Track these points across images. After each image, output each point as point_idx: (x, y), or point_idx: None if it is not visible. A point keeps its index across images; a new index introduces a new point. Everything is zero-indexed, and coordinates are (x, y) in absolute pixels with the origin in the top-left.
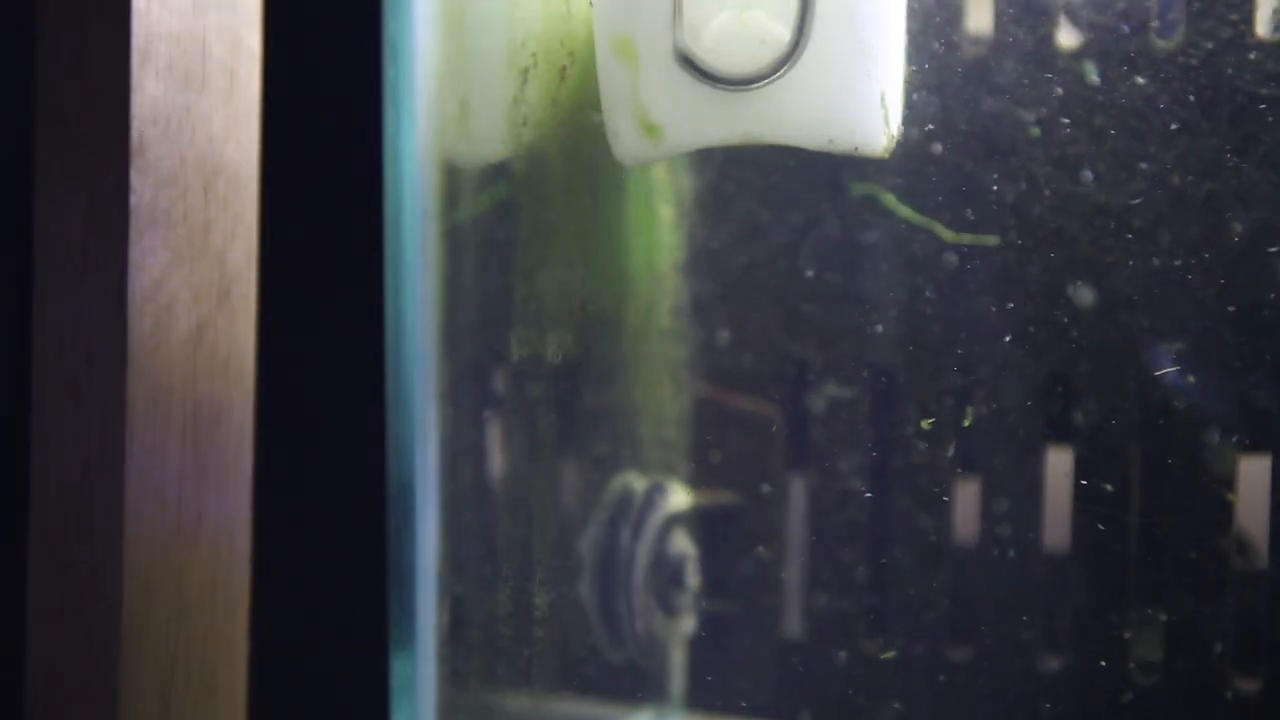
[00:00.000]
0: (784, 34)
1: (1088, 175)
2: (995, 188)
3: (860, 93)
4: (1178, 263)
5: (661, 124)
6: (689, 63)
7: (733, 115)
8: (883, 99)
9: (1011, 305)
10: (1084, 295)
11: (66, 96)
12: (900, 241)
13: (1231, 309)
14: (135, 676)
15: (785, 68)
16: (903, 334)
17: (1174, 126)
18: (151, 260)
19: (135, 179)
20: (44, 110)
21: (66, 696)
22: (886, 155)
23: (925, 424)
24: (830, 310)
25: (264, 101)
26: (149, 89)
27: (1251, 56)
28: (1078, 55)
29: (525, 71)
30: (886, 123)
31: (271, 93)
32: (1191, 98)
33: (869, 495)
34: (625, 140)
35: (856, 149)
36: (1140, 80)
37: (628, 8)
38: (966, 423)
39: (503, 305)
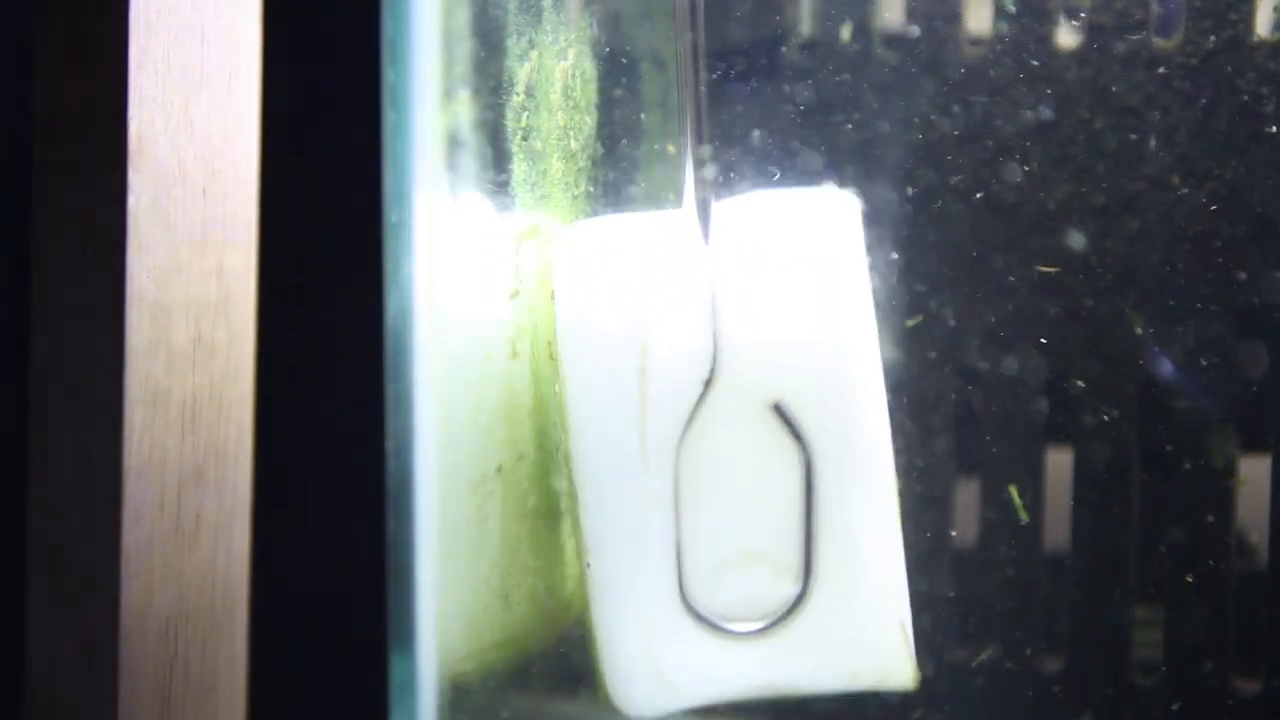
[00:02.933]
0: (791, 582)
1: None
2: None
3: (876, 627)
4: (1177, 262)
5: (679, 679)
6: (697, 614)
7: (749, 664)
8: (902, 629)
9: (1009, 302)
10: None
11: (65, 97)
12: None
13: (1231, 309)
14: (134, 676)
15: (797, 611)
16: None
17: (1173, 126)
18: (150, 261)
19: (133, 179)
20: (42, 110)
21: (65, 696)
22: (915, 686)
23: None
24: None
25: (263, 102)
26: (147, 89)
27: (1251, 56)
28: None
29: None
30: (909, 652)
31: (271, 93)
32: (1190, 97)
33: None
34: (638, 693)
35: (884, 683)
36: (1138, 80)
37: (630, 562)
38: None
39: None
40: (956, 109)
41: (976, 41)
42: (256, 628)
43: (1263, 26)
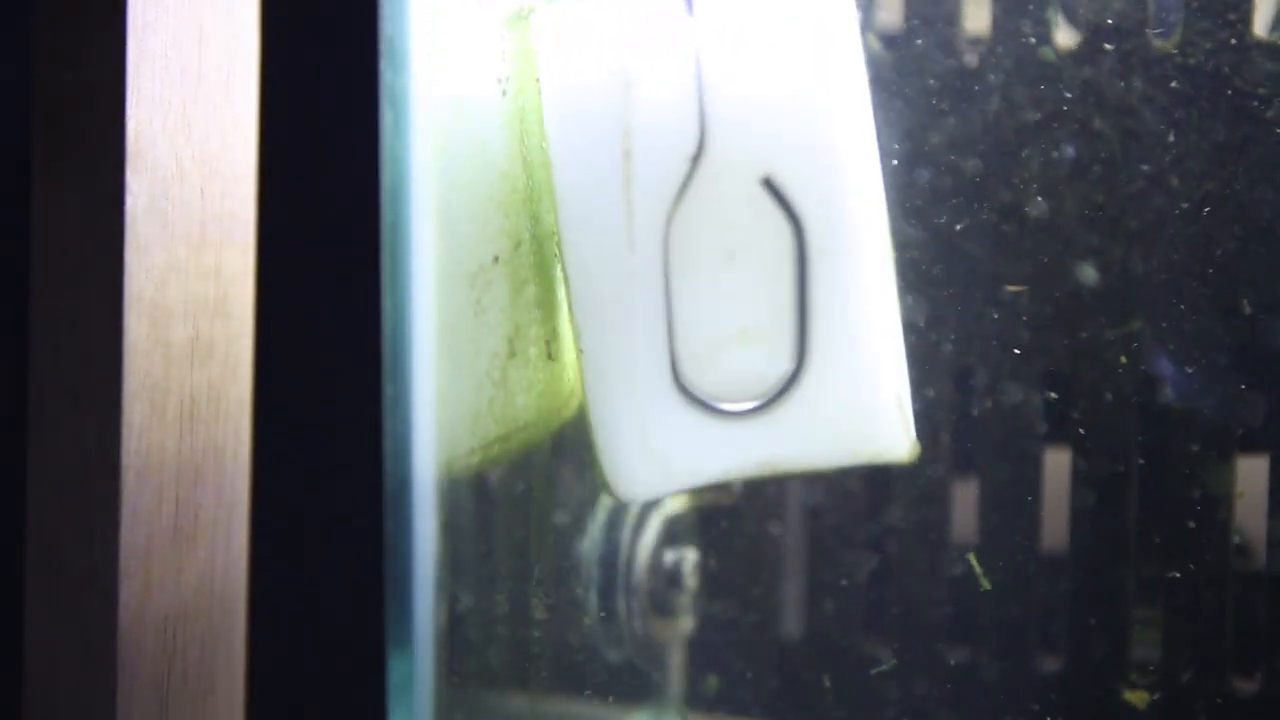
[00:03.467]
0: (785, 359)
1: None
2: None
3: (872, 401)
4: (1175, 262)
5: (672, 461)
6: (691, 394)
7: (745, 443)
8: (898, 400)
9: (1010, 305)
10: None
11: (63, 97)
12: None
13: (1230, 309)
14: (133, 676)
15: (792, 388)
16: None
17: (1171, 126)
18: (148, 261)
19: (131, 180)
20: (41, 110)
21: (64, 696)
22: (911, 460)
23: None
24: None
25: (261, 102)
26: (146, 90)
27: (1249, 56)
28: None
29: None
30: (906, 424)
31: (269, 93)
32: (1189, 97)
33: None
34: (632, 477)
35: (880, 457)
36: (1137, 80)
37: (621, 345)
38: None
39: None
40: (954, 109)
41: (975, 41)
42: (255, 628)
43: (1260, 26)
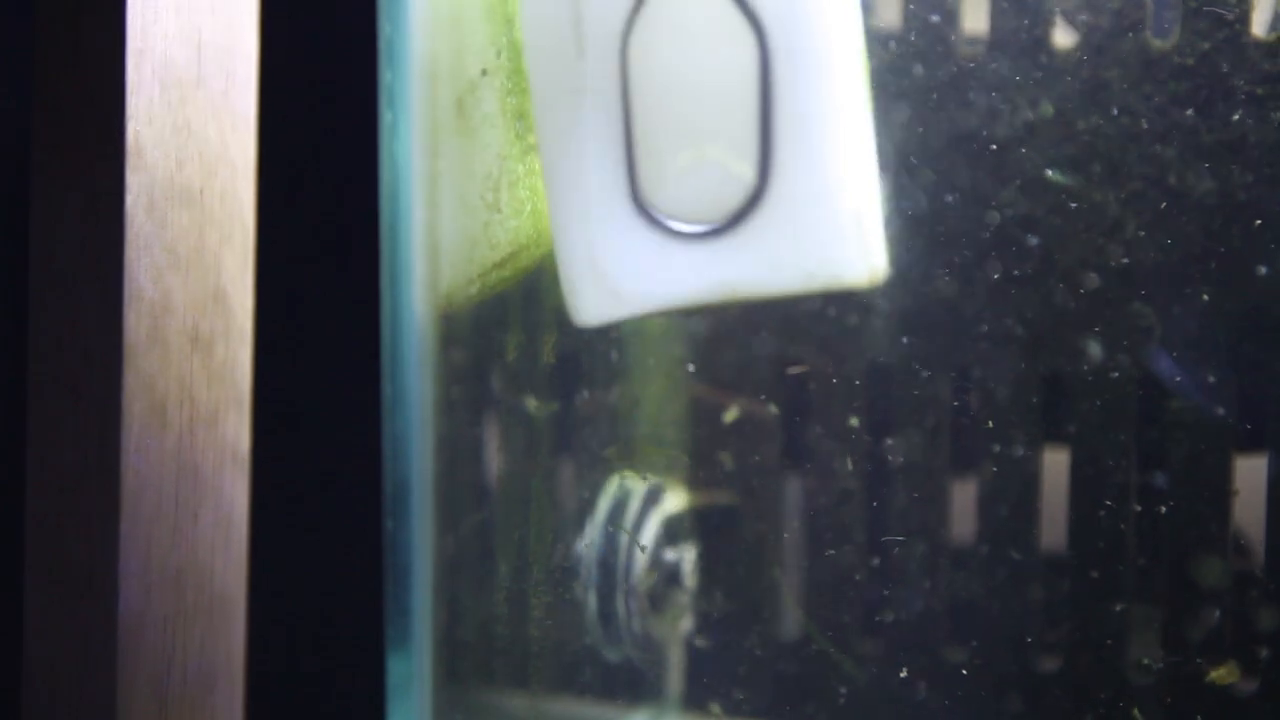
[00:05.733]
0: (746, 174)
1: (1085, 175)
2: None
3: (832, 223)
4: (1174, 262)
5: (631, 284)
6: (649, 214)
7: (702, 266)
8: (859, 223)
9: (1011, 304)
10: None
11: (62, 96)
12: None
13: (1229, 308)
14: (132, 676)
15: (753, 208)
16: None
17: (1171, 125)
18: (147, 260)
19: (130, 179)
20: (40, 110)
21: (64, 696)
22: (871, 284)
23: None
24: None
25: (260, 102)
26: (144, 89)
27: (1247, 56)
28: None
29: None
30: (865, 249)
31: (269, 93)
32: (1187, 97)
33: (866, 494)
34: (585, 301)
35: (838, 281)
36: (1136, 80)
37: (577, 160)
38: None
39: (499, 305)
40: (951, 106)
41: (972, 41)
42: (254, 627)
43: (1259, 26)
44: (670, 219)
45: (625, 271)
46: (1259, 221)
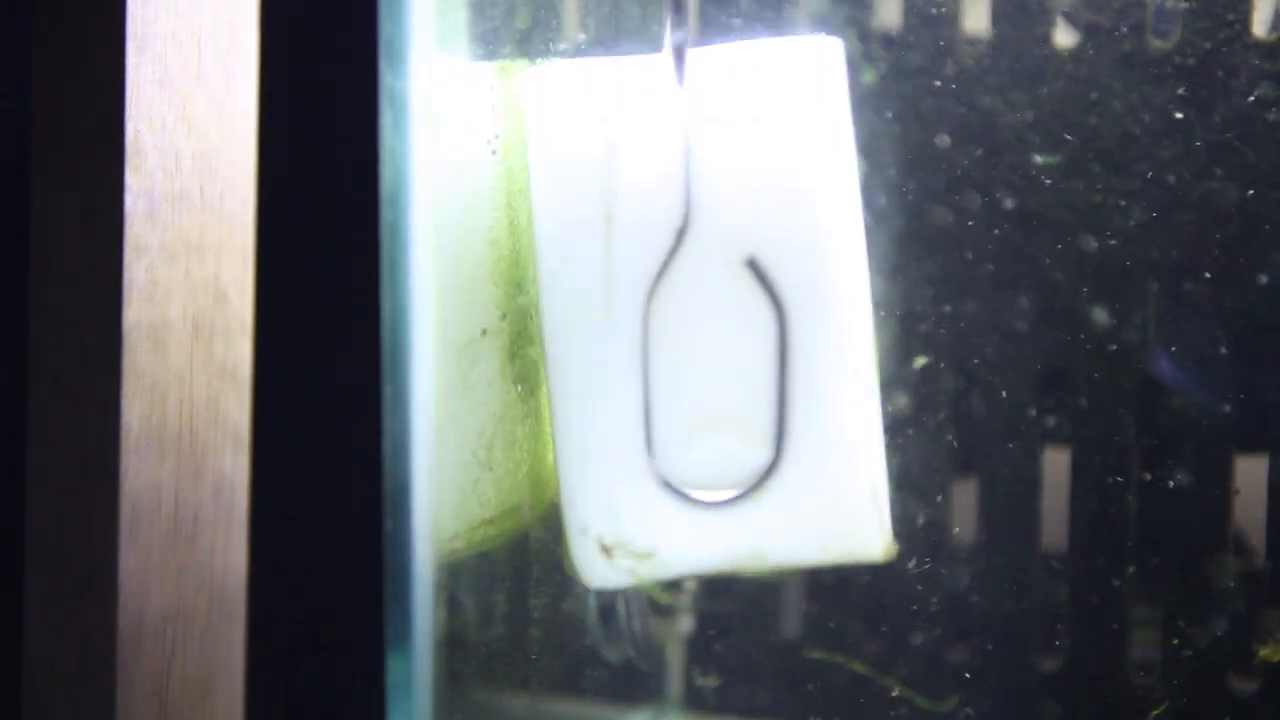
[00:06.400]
0: (763, 445)
1: (1084, 175)
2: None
3: (848, 497)
4: (1175, 262)
5: (643, 551)
6: (664, 480)
7: (715, 534)
8: (874, 498)
9: (1010, 303)
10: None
11: (62, 96)
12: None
13: (1229, 308)
14: (132, 677)
15: (768, 481)
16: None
17: (1171, 126)
18: (147, 260)
19: (130, 178)
20: (40, 109)
21: (64, 696)
22: (885, 558)
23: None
24: None
25: (261, 102)
26: (145, 90)
27: (1248, 56)
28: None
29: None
30: (880, 523)
31: (269, 93)
32: (1188, 97)
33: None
34: (597, 566)
35: (853, 555)
36: (1136, 80)
37: (594, 422)
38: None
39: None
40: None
41: (973, 41)
42: (255, 628)
43: (1260, 26)
44: (685, 486)
45: (639, 536)
46: (1262, 221)
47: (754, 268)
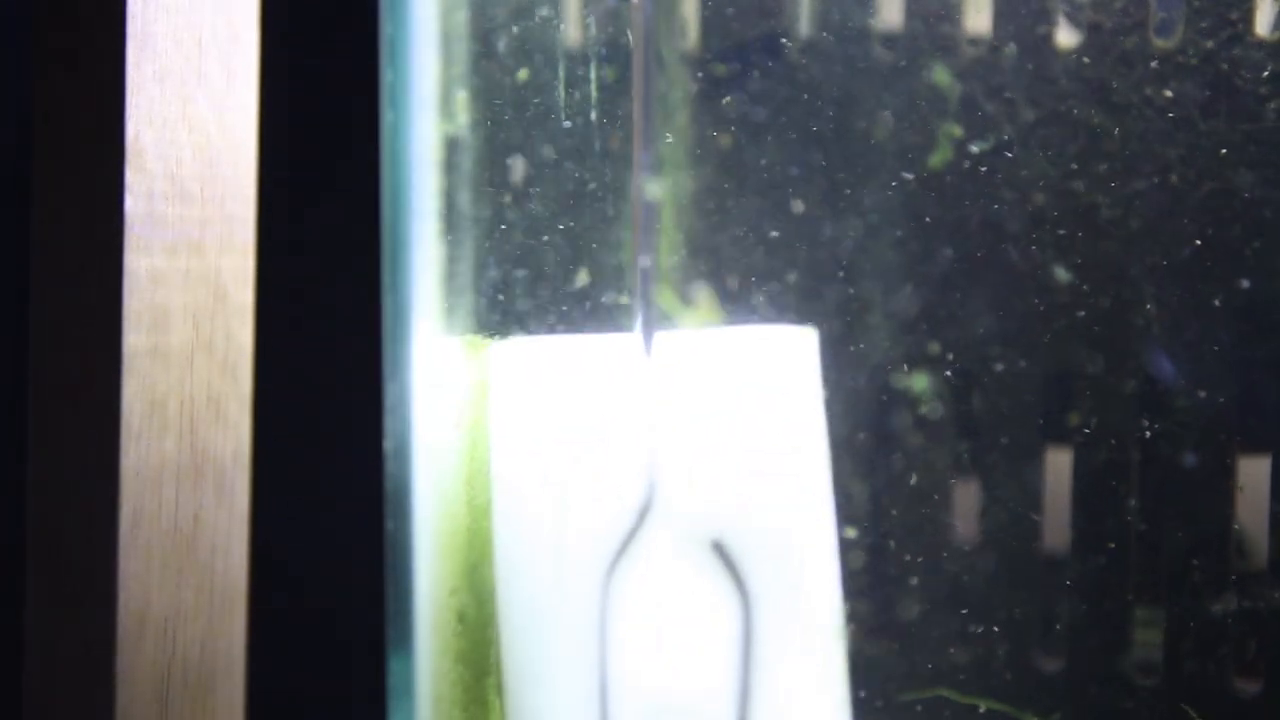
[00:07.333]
0: None
1: (1085, 175)
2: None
3: None
4: (1176, 261)
5: None
6: None
7: None
8: None
9: (1010, 303)
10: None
11: (62, 97)
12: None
13: (1230, 308)
14: (133, 677)
15: None
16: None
17: (1171, 126)
18: (148, 261)
19: (131, 179)
20: (40, 110)
21: (64, 697)
22: None
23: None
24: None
25: (261, 102)
26: (145, 89)
27: (1250, 56)
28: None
29: None
30: None
31: (269, 93)
32: (1190, 97)
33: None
34: None
35: None
36: (1138, 80)
37: (548, 708)
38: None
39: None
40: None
41: (974, 41)
42: (255, 628)
43: (1262, 26)
44: None
45: None
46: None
47: (719, 551)
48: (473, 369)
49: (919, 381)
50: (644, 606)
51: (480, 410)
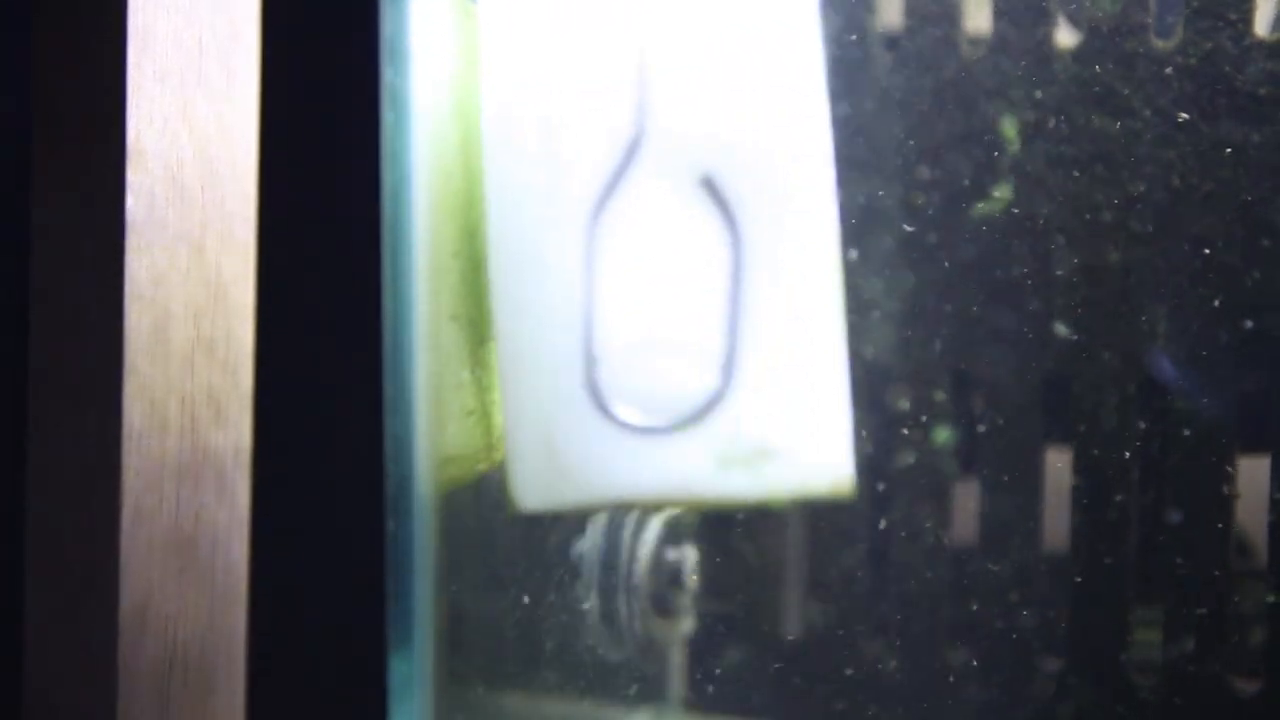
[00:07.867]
0: (709, 372)
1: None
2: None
3: (797, 432)
4: (1177, 261)
5: (578, 473)
6: (603, 404)
7: (655, 462)
8: (824, 433)
9: (1010, 303)
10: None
11: (63, 97)
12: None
13: (1230, 308)
14: (133, 676)
15: (712, 409)
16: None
17: (1172, 126)
18: (148, 261)
19: (132, 179)
20: (40, 110)
21: (65, 696)
22: (839, 493)
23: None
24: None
25: (261, 102)
26: (145, 89)
27: (1250, 56)
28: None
29: None
30: (830, 459)
31: (269, 93)
32: (1189, 97)
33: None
34: (527, 485)
35: (799, 490)
36: (1138, 80)
37: (535, 342)
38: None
39: None
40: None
41: (975, 41)
42: (255, 628)
43: (1261, 26)
44: (625, 411)
45: (573, 459)
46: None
47: (710, 186)
48: (465, 30)
49: None
50: (631, 243)
51: (472, 70)
